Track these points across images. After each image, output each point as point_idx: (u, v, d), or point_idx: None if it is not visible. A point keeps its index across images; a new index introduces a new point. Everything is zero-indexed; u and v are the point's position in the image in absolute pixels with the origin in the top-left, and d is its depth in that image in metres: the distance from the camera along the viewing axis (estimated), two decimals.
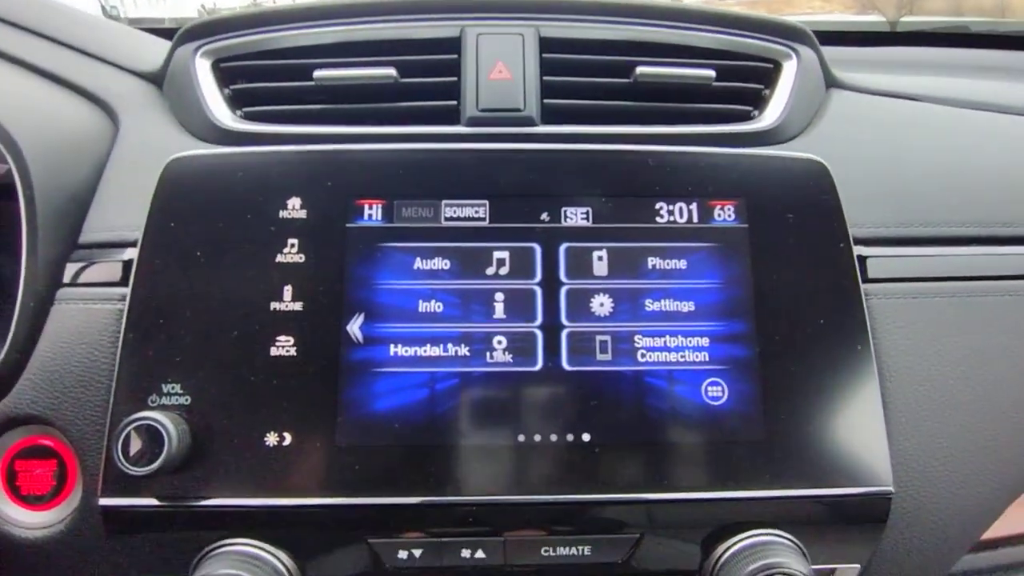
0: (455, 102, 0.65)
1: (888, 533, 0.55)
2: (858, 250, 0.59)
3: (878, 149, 0.67)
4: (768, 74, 0.69)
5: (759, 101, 0.69)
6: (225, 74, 0.68)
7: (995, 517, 0.59)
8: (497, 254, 0.56)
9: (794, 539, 0.52)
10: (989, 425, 0.58)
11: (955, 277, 0.60)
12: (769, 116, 0.67)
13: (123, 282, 0.56)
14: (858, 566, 0.55)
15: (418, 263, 0.55)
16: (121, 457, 0.48)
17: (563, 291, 0.55)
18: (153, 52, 0.72)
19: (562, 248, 0.56)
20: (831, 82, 0.74)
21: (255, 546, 0.50)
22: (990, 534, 0.61)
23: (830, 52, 1.09)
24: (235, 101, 0.67)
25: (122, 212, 0.60)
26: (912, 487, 0.56)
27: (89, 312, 0.57)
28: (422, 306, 0.54)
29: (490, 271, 0.55)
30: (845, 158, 0.64)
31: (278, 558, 0.50)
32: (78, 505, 0.55)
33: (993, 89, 0.81)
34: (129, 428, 0.48)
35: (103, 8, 1.07)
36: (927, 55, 1.14)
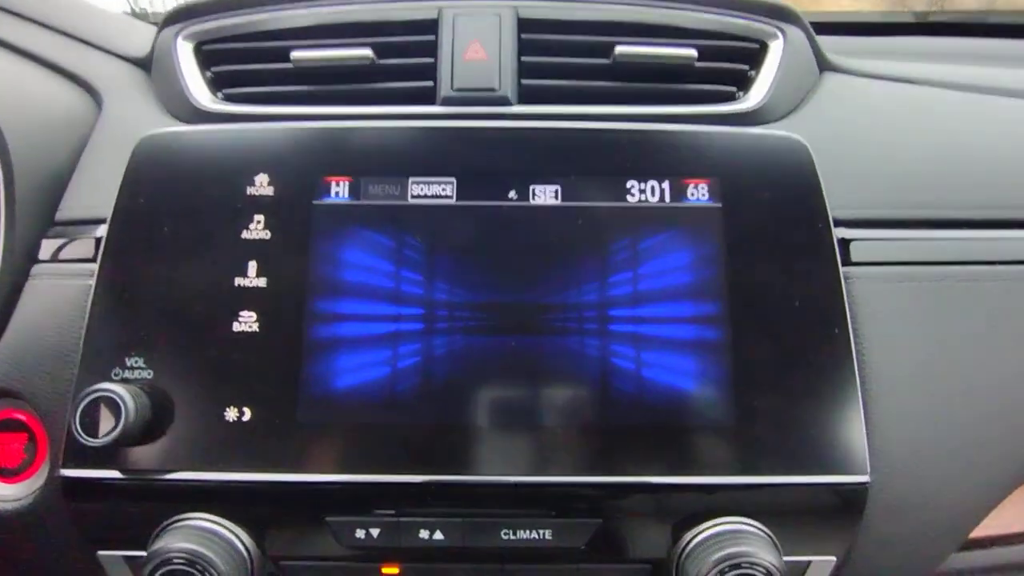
0: (431, 83, 0.64)
1: (868, 525, 0.53)
2: (841, 232, 0.57)
3: (868, 130, 0.65)
4: (754, 54, 0.67)
5: (745, 82, 0.67)
6: (207, 57, 0.68)
7: (985, 514, 0.56)
8: (463, 232, 0.55)
9: (765, 529, 0.50)
10: (978, 416, 0.55)
11: (942, 262, 0.57)
12: (754, 97, 0.65)
13: (95, 259, 0.57)
14: (834, 559, 0.52)
15: (383, 240, 0.55)
16: (79, 428, 0.48)
17: None
18: (145, 39, 0.73)
19: None
20: (825, 65, 0.72)
21: (213, 521, 0.50)
22: (982, 532, 0.58)
23: (855, 43, 1.06)
24: (216, 83, 0.68)
25: (98, 190, 0.60)
26: (894, 479, 0.53)
27: (62, 288, 0.57)
28: (386, 284, 0.54)
29: (455, 248, 0.55)
30: (832, 139, 0.62)
31: (235, 534, 0.50)
32: (46, 478, 0.55)
33: (998, 74, 0.78)
34: (86, 400, 0.48)
35: (131, 6, 1.08)
36: (953, 45, 1.11)
